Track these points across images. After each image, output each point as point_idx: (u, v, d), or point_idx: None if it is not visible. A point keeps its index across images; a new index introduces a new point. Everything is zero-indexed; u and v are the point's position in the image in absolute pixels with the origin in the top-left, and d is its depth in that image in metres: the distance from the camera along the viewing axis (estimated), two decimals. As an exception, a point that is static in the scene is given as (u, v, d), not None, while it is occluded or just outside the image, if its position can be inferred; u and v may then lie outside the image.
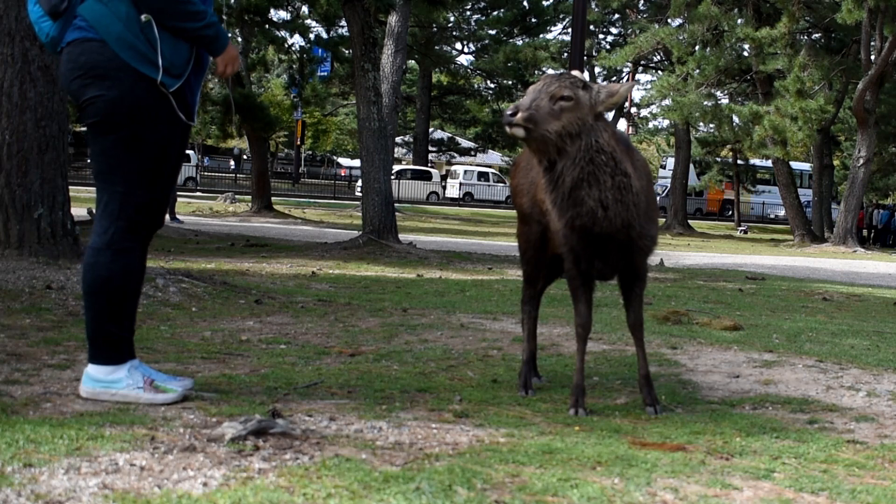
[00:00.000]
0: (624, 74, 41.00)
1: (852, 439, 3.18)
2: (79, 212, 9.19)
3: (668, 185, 36.83)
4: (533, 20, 36.60)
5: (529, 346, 4.00)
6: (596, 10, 36.53)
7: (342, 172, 52.14)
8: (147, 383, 3.15)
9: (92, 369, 3.15)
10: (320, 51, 26.60)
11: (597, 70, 40.88)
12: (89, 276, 3.16)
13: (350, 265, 10.19)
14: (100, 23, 3.07)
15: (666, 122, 44.28)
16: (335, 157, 61.02)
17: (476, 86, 40.38)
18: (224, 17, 21.57)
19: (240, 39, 28.04)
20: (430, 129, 45.69)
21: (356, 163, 39.98)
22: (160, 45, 3.07)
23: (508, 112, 3.18)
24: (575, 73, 3.31)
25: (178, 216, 18.29)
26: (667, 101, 30.11)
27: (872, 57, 25.00)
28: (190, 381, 3.32)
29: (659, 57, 37.74)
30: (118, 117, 3.10)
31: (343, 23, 21.04)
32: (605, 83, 3.36)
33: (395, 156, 31.35)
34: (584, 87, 3.24)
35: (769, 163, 33.77)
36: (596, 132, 3.21)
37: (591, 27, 37.59)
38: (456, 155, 51.47)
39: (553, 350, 4.87)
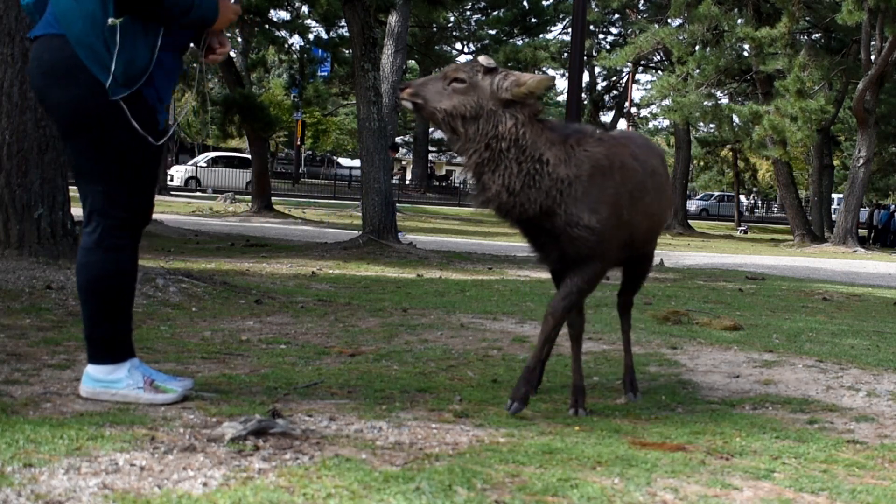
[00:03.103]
0: (624, 74, 41.01)
1: (852, 439, 3.18)
2: (79, 212, 9.18)
3: None
4: (533, 20, 36.61)
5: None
6: (596, 10, 36.50)
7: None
8: (147, 383, 3.15)
9: (91, 369, 3.15)
10: (320, 51, 26.62)
11: (597, 70, 40.87)
12: (82, 276, 3.15)
13: (350, 265, 10.19)
14: (65, 17, 3.03)
15: (666, 122, 44.29)
16: (335, 157, 61.01)
17: (476, 86, 40.31)
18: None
19: (240, 39, 28.07)
20: (430, 129, 45.68)
21: (356, 162, 39.93)
22: (118, 52, 3.01)
23: (399, 87, 3.33)
24: (483, 58, 3.29)
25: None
26: (667, 101, 30.11)
27: (872, 57, 25.01)
28: (190, 381, 3.32)
29: (659, 57, 37.73)
30: (83, 118, 3.05)
31: (343, 23, 21.04)
32: (517, 73, 3.30)
33: (396, 156, 31.40)
34: (488, 73, 3.24)
35: None
36: (497, 118, 3.21)
37: (591, 27, 37.55)
38: (456, 154, 51.34)
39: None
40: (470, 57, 38.02)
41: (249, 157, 43.38)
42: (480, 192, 3.28)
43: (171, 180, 40.15)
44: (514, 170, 3.22)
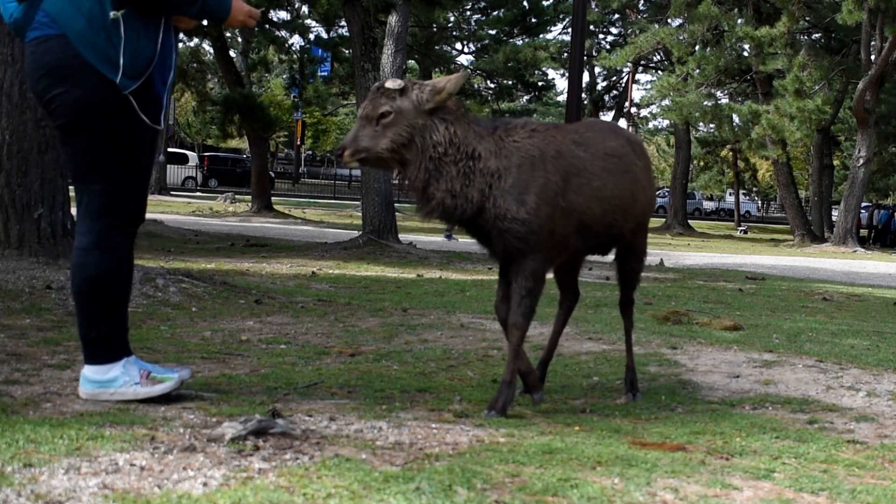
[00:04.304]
0: (624, 74, 41.00)
1: (852, 439, 3.18)
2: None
3: None
4: (533, 20, 36.55)
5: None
6: (596, 10, 36.48)
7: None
8: (143, 376, 3.14)
9: (88, 370, 3.14)
10: (320, 51, 26.62)
11: (597, 70, 40.86)
12: (79, 277, 3.14)
13: (350, 265, 10.19)
14: (62, 16, 3.02)
15: (666, 122, 44.26)
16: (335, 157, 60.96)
17: (476, 86, 40.36)
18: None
19: (240, 39, 28.07)
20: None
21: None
22: (124, 46, 3.03)
23: (337, 153, 3.31)
24: (389, 82, 3.29)
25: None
26: (667, 101, 30.11)
27: (872, 57, 25.01)
28: (188, 370, 3.30)
29: (659, 57, 37.71)
30: (87, 117, 3.06)
31: (343, 23, 21.02)
32: (433, 80, 3.33)
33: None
34: (403, 93, 3.26)
35: None
36: (429, 130, 3.25)
37: (591, 27, 37.53)
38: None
39: (554, 351, 4.87)
40: (471, 57, 38.10)
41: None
42: (425, 204, 3.32)
43: None
44: (454, 171, 3.27)
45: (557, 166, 3.39)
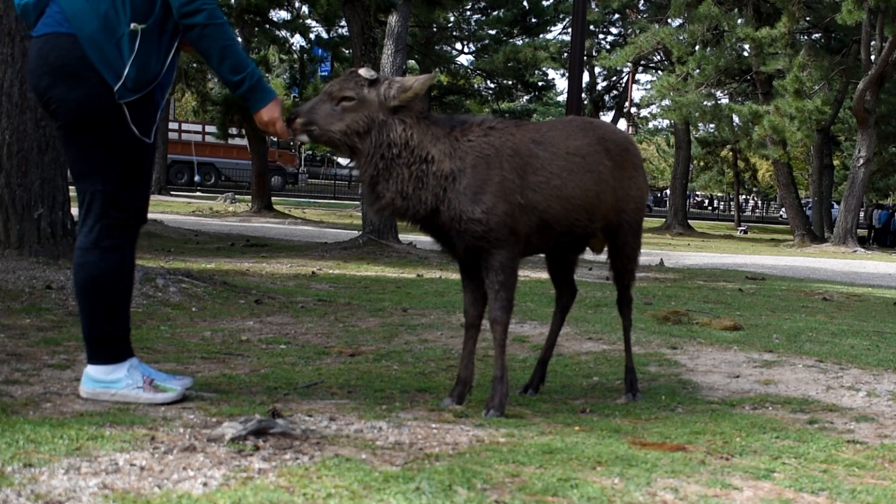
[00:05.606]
0: (624, 74, 41.00)
1: (852, 439, 3.18)
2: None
3: None
4: (533, 20, 36.55)
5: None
6: (596, 10, 36.48)
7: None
8: (146, 382, 3.15)
9: (91, 370, 3.15)
10: (320, 51, 26.61)
11: (597, 70, 40.86)
12: (80, 276, 3.16)
13: (350, 265, 10.19)
14: (76, 16, 3.03)
15: (666, 122, 44.25)
16: (335, 157, 60.97)
17: (476, 86, 40.33)
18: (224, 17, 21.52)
19: (240, 39, 27.99)
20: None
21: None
22: (133, 58, 3.04)
23: (289, 117, 3.29)
24: (363, 70, 3.31)
25: None
26: (667, 101, 30.09)
27: (872, 57, 25.01)
28: (189, 379, 3.32)
29: (659, 57, 37.69)
30: (90, 116, 3.07)
31: (343, 23, 21.03)
32: (402, 77, 3.34)
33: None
34: (373, 85, 3.28)
35: None
36: (388, 127, 3.27)
37: (591, 27, 37.52)
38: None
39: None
40: (471, 57, 38.10)
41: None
42: (375, 201, 3.34)
43: None
44: (406, 174, 3.28)
45: (513, 164, 3.38)
